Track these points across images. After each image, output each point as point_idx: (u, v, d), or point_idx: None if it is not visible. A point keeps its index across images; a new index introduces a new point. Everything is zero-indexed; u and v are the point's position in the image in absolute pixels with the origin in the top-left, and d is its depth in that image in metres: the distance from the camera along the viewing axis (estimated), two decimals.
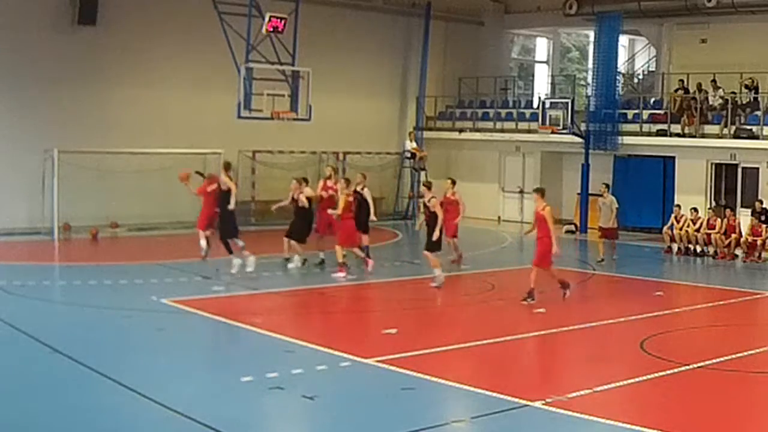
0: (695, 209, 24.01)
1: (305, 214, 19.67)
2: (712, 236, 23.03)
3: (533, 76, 39.34)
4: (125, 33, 25.95)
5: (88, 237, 24.49)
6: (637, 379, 11.30)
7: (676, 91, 27.99)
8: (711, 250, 23.24)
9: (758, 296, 18.01)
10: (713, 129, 26.09)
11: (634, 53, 37.94)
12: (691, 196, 25.73)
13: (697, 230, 23.35)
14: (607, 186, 22.74)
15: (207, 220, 18.94)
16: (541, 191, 17.12)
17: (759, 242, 22.51)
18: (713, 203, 25.85)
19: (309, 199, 19.63)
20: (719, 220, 23.32)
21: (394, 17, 32.20)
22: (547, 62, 38.64)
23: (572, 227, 28.82)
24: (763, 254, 22.48)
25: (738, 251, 22.94)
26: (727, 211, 23.71)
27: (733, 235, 22.77)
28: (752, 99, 25.77)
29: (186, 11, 26.47)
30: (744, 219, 23.52)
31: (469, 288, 18.03)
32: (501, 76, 34.04)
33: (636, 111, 28.42)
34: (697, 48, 29.44)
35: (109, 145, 24.93)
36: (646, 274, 20.37)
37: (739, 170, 25.93)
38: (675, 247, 23.85)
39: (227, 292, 17.13)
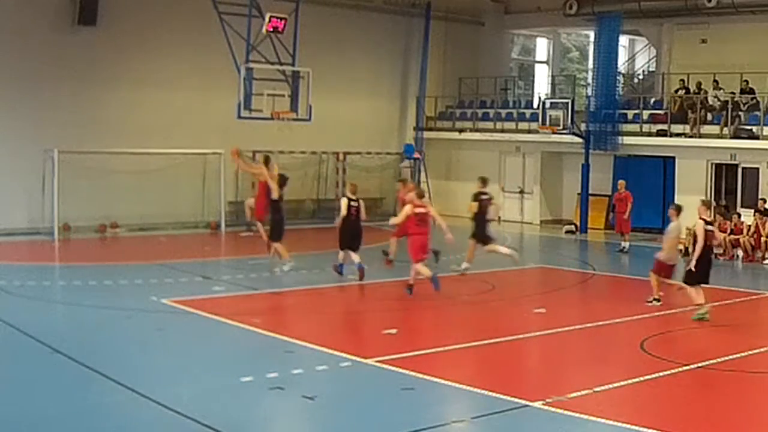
0: None
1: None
2: (722, 238, 22.93)
3: (533, 76, 39.35)
4: (125, 33, 25.96)
5: (93, 233, 24.65)
6: (637, 380, 11.28)
7: (676, 91, 28.00)
8: (719, 251, 23.13)
9: (758, 296, 18.00)
10: (713, 129, 26.10)
11: (634, 53, 37.95)
12: (691, 197, 25.66)
13: None
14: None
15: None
16: (419, 192, 17.47)
17: (763, 240, 22.39)
18: (715, 203, 25.82)
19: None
20: (728, 222, 23.25)
21: (394, 17, 32.21)
22: (547, 62, 38.65)
23: (572, 227, 28.83)
24: (767, 254, 22.40)
25: (739, 251, 22.91)
26: (734, 216, 23.56)
27: (741, 237, 22.68)
28: (751, 100, 25.77)
29: (186, 12, 26.48)
30: (747, 220, 23.44)
31: (469, 288, 18.02)
32: (501, 76, 34.07)
33: (636, 111, 28.43)
34: (697, 48, 29.45)
35: (109, 145, 24.94)
36: (646, 274, 20.34)
37: (739, 170, 25.94)
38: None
39: (227, 292, 17.13)
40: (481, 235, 19.21)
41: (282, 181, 19.30)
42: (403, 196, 18.85)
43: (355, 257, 18.31)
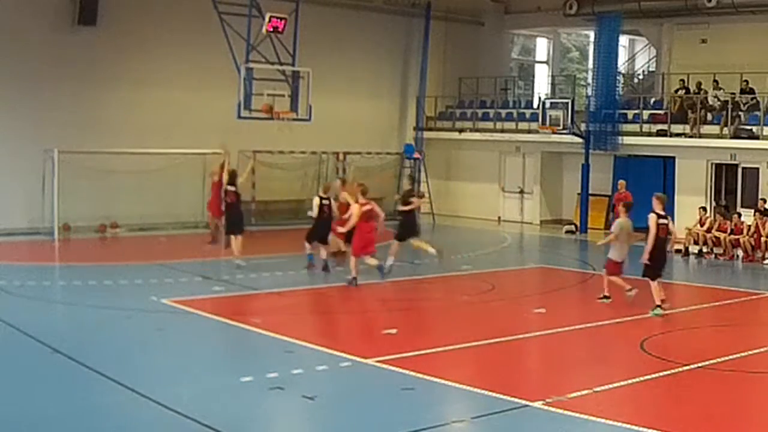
0: (704, 209, 24.02)
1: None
2: (722, 238, 22.97)
3: (533, 76, 39.35)
4: (125, 33, 25.95)
5: (93, 233, 24.65)
6: (637, 380, 11.29)
7: (676, 91, 28.00)
8: (719, 251, 23.14)
9: (758, 296, 18.00)
10: (713, 129, 26.09)
11: (634, 53, 37.95)
12: (691, 197, 25.75)
13: (708, 231, 23.29)
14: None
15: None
16: (362, 187, 18.21)
17: (763, 240, 22.37)
18: (714, 203, 25.84)
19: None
20: (728, 222, 23.25)
21: (394, 17, 32.20)
22: (547, 62, 38.65)
23: (572, 227, 28.83)
24: (767, 254, 22.39)
25: (738, 251, 22.91)
26: (735, 216, 23.57)
27: (741, 237, 22.67)
28: (751, 100, 25.77)
29: (186, 11, 26.47)
30: (747, 220, 23.43)
31: (469, 288, 18.04)
32: (501, 76, 34.06)
33: (636, 111, 28.41)
34: (697, 48, 29.44)
35: (109, 145, 24.92)
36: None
37: (739, 170, 25.94)
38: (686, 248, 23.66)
39: (227, 292, 17.13)
40: (410, 233, 19.59)
41: (231, 177, 19.93)
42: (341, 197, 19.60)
43: (322, 251, 18.92)
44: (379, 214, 18.01)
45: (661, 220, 15.45)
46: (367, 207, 17.69)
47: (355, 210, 17.61)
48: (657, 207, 15.61)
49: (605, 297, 16.42)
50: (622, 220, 16.58)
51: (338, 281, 18.35)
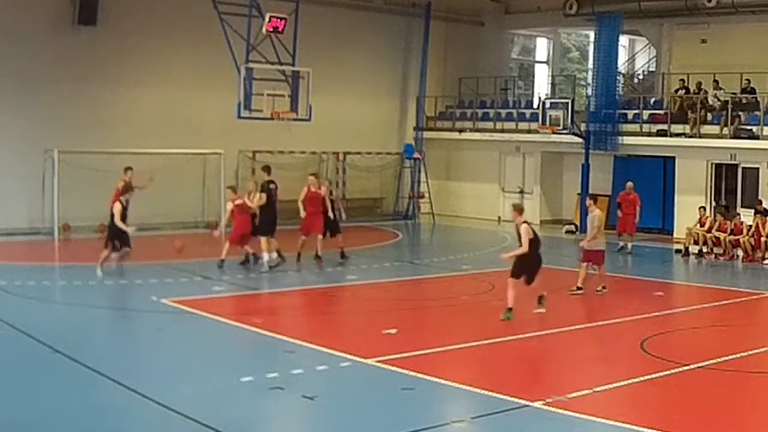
0: (704, 208, 24.02)
1: None
2: (722, 238, 22.96)
3: (533, 76, 39.34)
4: (125, 33, 25.95)
5: (93, 233, 24.64)
6: (637, 380, 11.29)
7: (676, 91, 28.01)
8: (719, 251, 23.14)
9: (758, 296, 18.00)
10: (713, 129, 26.11)
11: (634, 53, 37.95)
12: (692, 197, 25.74)
13: (708, 231, 23.28)
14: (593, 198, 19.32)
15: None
16: (231, 188, 20.47)
17: (763, 240, 22.36)
18: (714, 203, 25.83)
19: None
20: (728, 222, 23.24)
21: (394, 17, 32.20)
22: (547, 62, 38.65)
23: (572, 227, 28.82)
24: (767, 254, 22.38)
25: (738, 251, 22.91)
26: (735, 217, 23.56)
27: (741, 237, 22.65)
28: (752, 99, 25.77)
29: (186, 11, 26.47)
30: (747, 220, 23.43)
31: (469, 288, 18.04)
32: (501, 76, 34.06)
33: (636, 111, 28.43)
34: (697, 48, 29.46)
35: (109, 145, 24.91)
36: (646, 275, 20.38)
37: (739, 170, 25.95)
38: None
39: (227, 292, 17.13)
40: (269, 227, 19.46)
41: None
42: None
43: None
44: (250, 206, 19.48)
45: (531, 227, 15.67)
46: (239, 201, 19.60)
47: (228, 206, 19.80)
48: (518, 218, 15.41)
49: (579, 288, 17.01)
50: (598, 213, 17.55)
51: (338, 281, 18.36)
